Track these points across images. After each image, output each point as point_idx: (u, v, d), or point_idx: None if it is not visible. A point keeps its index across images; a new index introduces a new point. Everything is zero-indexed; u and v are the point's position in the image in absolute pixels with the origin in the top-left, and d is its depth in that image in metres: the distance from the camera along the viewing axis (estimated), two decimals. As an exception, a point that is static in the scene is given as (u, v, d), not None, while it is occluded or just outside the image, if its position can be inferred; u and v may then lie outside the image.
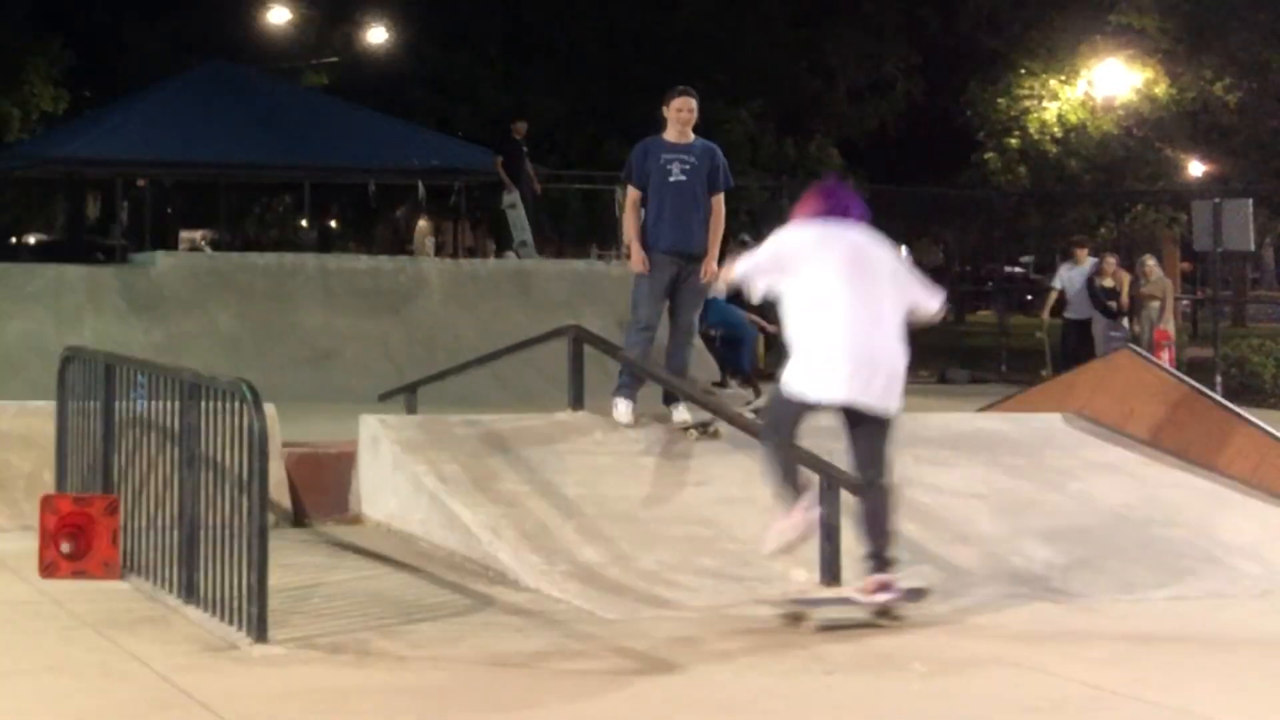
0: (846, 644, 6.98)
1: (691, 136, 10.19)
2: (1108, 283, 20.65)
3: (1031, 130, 28.06)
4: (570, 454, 9.61)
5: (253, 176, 29.01)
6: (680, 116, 10.11)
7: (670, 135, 10.18)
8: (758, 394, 19.44)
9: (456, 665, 6.46)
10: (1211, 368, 19.65)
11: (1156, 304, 20.67)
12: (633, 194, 10.19)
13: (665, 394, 10.33)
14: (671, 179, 10.03)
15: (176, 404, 7.58)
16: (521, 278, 17.49)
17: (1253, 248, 22.78)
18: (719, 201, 10.26)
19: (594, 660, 6.59)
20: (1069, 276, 20.99)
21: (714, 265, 10.30)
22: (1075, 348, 20.56)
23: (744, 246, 21.38)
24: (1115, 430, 11.18)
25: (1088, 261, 20.99)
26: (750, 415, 10.25)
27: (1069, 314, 20.81)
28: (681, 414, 10.13)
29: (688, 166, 10.06)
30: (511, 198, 20.91)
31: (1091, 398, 11.55)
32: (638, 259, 10.09)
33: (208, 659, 6.46)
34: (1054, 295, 21.00)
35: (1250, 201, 20.52)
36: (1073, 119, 27.85)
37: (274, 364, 14.59)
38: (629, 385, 10.21)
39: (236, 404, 6.92)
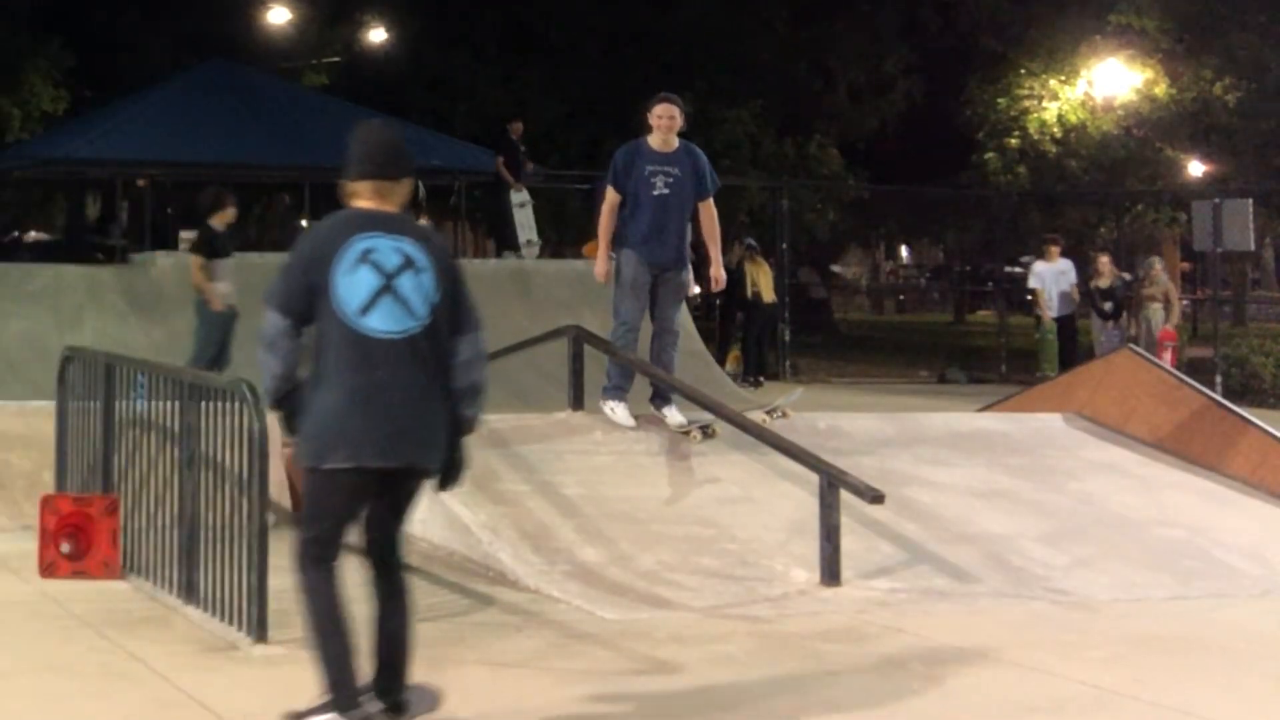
0: (846, 644, 6.98)
1: (675, 143, 10.09)
2: (1103, 283, 20.68)
3: (1031, 130, 28.04)
4: (570, 454, 9.61)
5: (253, 176, 28.96)
6: (662, 124, 10.00)
7: (654, 143, 10.07)
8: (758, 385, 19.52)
9: (456, 665, 6.45)
10: (1211, 368, 19.67)
11: (1158, 305, 20.69)
12: (612, 197, 10.09)
13: (654, 396, 10.25)
14: (655, 193, 9.97)
15: (176, 404, 7.58)
16: (521, 278, 17.50)
17: (1253, 248, 22.80)
18: (710, 206, 10.19)
19: (594, 660, 6.60)
20: (1042, 274, 21.06)
21: (720, 271, 10.26)
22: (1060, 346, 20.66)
23: (750, 250, 21.49)
24: (1115, 430, 11.19)
25: (1059, 260, 21.07)
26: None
27: (1054, 313, 20.88)
28: (675, 416, 10.05)
29: (671, 179, 9.98)
30: (521, 196, 20.98)
31: (1091, 398, 11.55)
32: (601, 269, 10.08)
33: (208, 659, 6.46)
34: (1041, 295, 21.04)
35: (1250, 201, 20.53)
36: (1073, 119, 27.84)
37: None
38: (621, 387, 10.15)
39: (236, 404, 6.93)
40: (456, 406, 5.36)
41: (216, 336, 12.62)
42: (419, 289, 5.29)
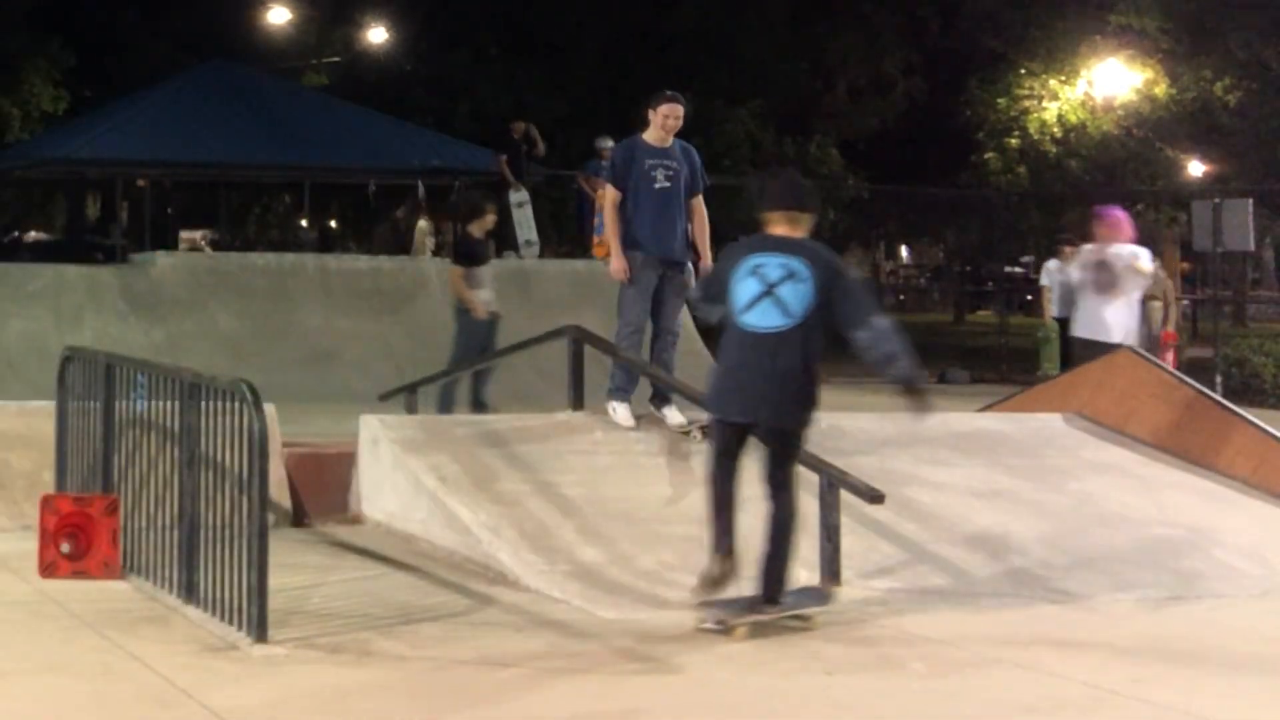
0: (846, 644, 6.98)
1: (670, 141, 10.12)
2: None
3: (1031, 130, 28.08)
4: (570, 454, 9.60)
5: (253, 176, 29.01)
6: (666, 124, 9.98)
7: (651, 138, 10.06)
8: None
9: (456, 665, 6.46)
10: (1211, 368, 19.65)
11: (1158, 305, 20.66)
12: (613, 194, 10.05)
13: (654, 396, 10.25)
14: (656, 186, 9.95)
15: (176, 404, 7.58)
16: (521, 278, 17.47)
17: (1253, 248, 22.77)
18: (700, 203, 10.21)
19: (594, 660, 6.59)
20: (1052, 272, 21.04)
21: (710, 265, 10.25)
22: (1061, 346, 20.61)
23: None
24: (1115, 430, 11.18)
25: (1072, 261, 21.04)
26: None
27: (1055, 313, 20.87)
28: (675, 416, 10.04)
29: (670, 173, 9.99)
30: (520, 196, 20.88)
31: (1092, 398, 11.54)
32: (619, 266, 10.01)
33: (208, 659, 6.46)
34: (1047, 293, 21.04)
35: (1250, 201, 20.50)
36: (1073, 119, 27.87)
37: (274, 364, 14.57)
38: (625, 389, 10.15)
39: (236, 404, 6.93)
40: (886, 371, 6.98)
41: (476, 344, 12.37)
42: (798, 295, 6.99)
